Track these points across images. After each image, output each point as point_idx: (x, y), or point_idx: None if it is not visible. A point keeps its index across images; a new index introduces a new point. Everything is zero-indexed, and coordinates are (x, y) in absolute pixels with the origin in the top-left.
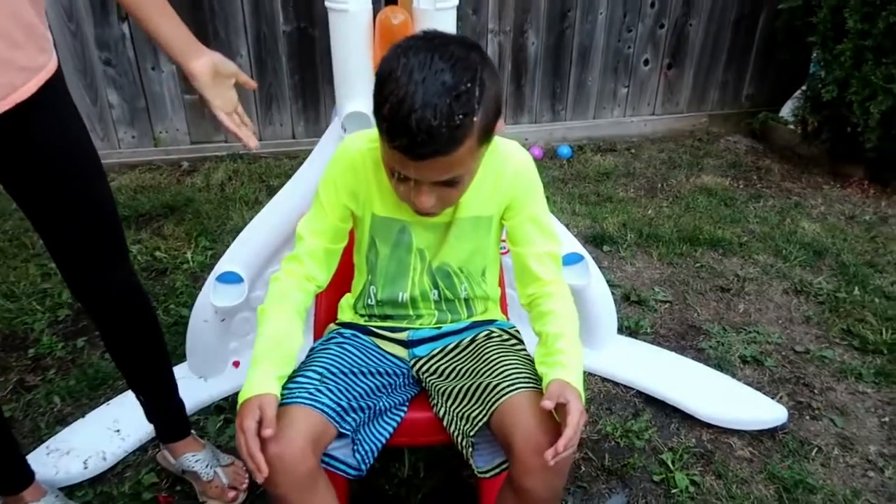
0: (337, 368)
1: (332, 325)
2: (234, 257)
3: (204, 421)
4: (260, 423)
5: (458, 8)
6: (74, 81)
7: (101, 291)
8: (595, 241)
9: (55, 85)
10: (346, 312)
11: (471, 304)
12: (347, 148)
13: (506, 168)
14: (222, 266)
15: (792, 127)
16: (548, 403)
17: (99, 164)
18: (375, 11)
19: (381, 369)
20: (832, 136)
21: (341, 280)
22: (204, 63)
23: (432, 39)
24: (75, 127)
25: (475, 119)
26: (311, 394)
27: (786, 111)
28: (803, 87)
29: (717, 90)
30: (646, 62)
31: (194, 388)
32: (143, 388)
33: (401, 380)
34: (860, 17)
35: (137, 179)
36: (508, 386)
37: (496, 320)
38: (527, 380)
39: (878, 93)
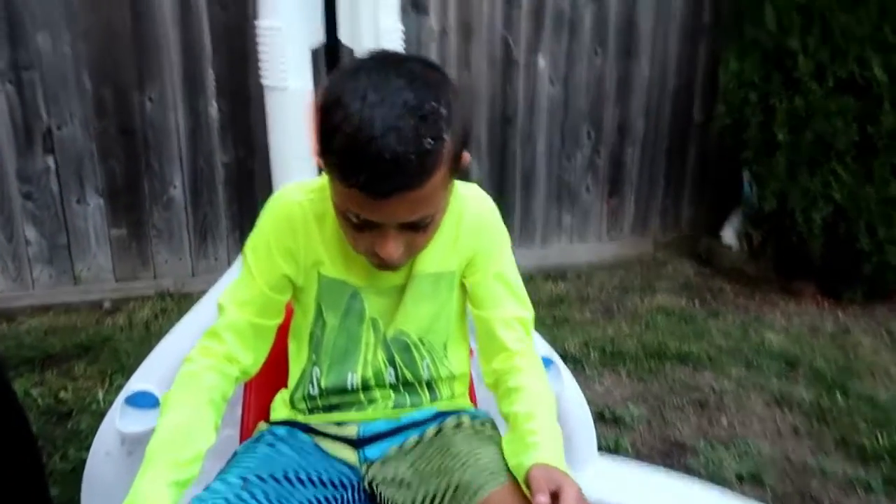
0: (267, 472)
1: (261, 424)
2: (148, 374)
3: None
4: None
5: None
6: None
7: None
8: None
9: None
10: (280, 411)
11: (434, 387)
12: (282, 200)
13: (465, 214)
14: (133, 384)
15: (735, 251)
16: (542, 500)
17: None
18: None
19: (324, 477)
20: (777, 249)
21: (276, 374)
22: None
23: (384, 59)
24: None
25: (445, 143)
26: None
27: (727, 235)
28: (737, 208)
29: (658, 217)
30: (587, 189)
31: None
32: None
33: (349, 493)
34: (788, 129)
35: (51, 321)
36: (487, 480)
37: (466, 409)
38: (508, 471)
39: (818, 199)
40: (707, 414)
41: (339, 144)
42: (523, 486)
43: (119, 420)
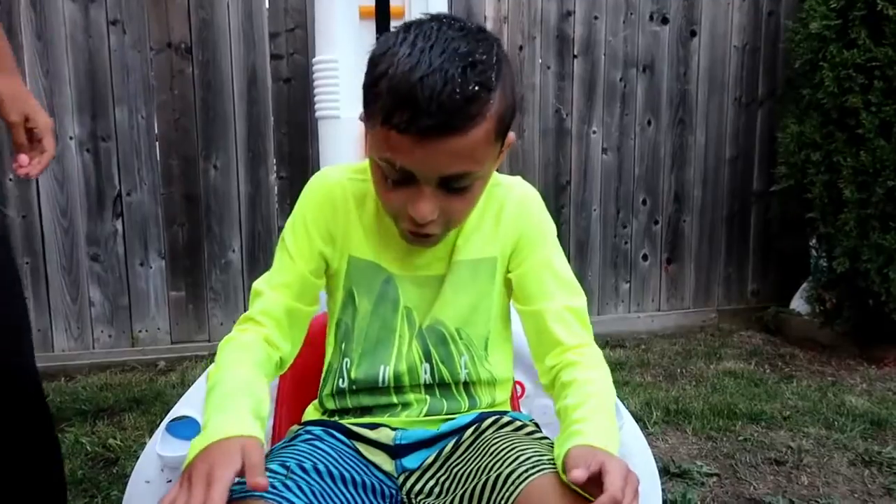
0: (310, 464)
1: (294, 427)
2: (194, 400)
3: None
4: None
5: None
6: (57, 280)
7: None
8: None
9: None
10: (311, 415)
11: (473, 392)
12: (322, 179)
13: (508, 200)
14: (178, 410)
15: (806, 317)
16: (577, 473)
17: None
18: None
19: (365, 481)
20: (854, 313)
21: (309, 381)
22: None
23: (436, 16)
24: None
25: (492, 95)
26: (275, 488)
27: (796, 304)
28: (809, 279)
29: (720, 286)
30: (644, 257)
31: None
32: None
33: (388, 503)
34: (856, 187)
35: (107, 379)
36: (528, 470)
37: (507, 412)
38: (554, 463)
39: (895, 256)
40: (785, 472)
41: (384, 86)
42: (562, 475)
43: (159, 445)
